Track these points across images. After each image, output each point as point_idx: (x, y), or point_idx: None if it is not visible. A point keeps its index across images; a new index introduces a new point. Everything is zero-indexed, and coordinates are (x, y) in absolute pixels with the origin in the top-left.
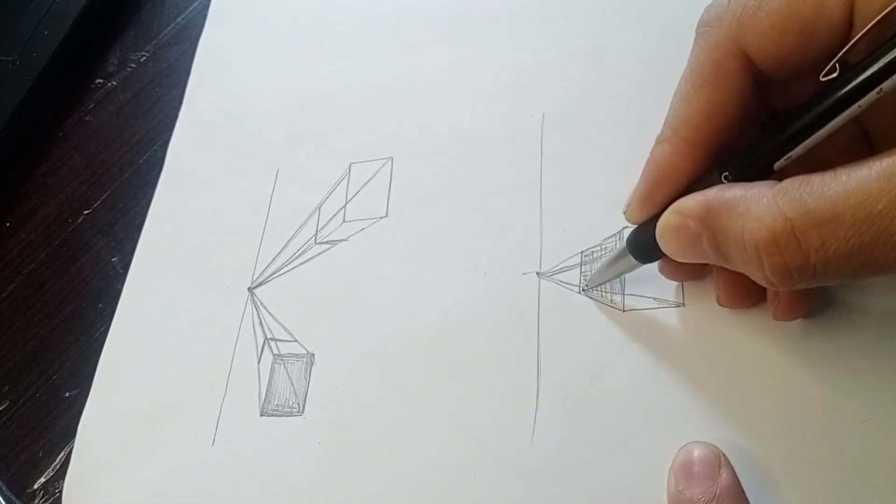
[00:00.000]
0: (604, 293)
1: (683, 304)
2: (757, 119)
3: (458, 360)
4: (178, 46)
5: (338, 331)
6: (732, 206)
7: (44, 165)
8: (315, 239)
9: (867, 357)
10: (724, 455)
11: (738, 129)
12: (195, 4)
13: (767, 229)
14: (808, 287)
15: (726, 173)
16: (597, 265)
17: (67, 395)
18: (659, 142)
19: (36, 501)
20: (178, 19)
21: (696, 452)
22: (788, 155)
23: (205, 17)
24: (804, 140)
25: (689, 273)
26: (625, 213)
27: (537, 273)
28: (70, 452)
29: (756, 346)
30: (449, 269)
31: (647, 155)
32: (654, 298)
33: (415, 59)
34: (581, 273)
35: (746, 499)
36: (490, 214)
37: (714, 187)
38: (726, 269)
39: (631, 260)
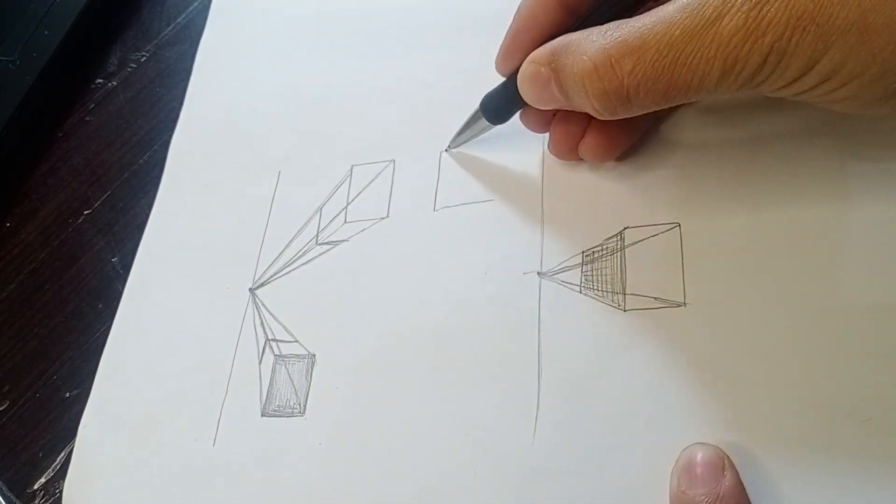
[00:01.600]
0: (605, 293)
1: (685, 303)
2: None
3: (458, 360)
4: (178, 46)
5: (339, 331)
6: (570, 47)
7: (44, 165)
8: (316, 240)
9: (869, 357)
10: (728, 457)
11: None
12: (195, 4)
13: (591, 60)
14: (630, 114)
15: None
16: (596, 264)
17: (68, 395)
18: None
19: (36, 501)
20: (179, 19)
21: (700, 453)
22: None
23: (205, 17)
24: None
25: (541, 125)
26: (496, 66)
27: (538, 273)
28: (70, 453)
29: (757, 346)
30: (450, 269)
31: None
32: (656, 298)
33: (417, 60)
34: (582, 273)
35: (749, 501)
36: (491, 214)
37: (561, 36)
38: (560, 121)
39: (483, 122)
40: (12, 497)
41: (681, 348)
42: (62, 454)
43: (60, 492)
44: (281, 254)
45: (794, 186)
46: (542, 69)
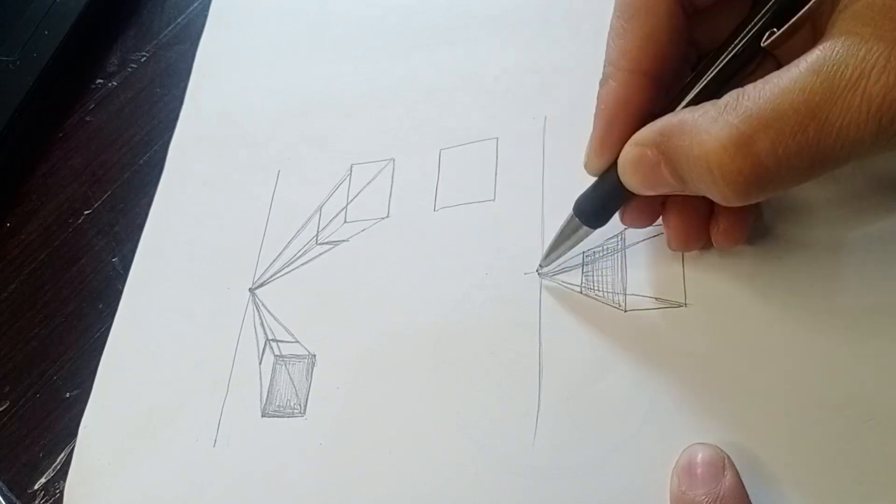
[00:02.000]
0: (605, 293)
1: (685, 304)
2: (689, 47)
3: (459, 360)
4: (178, 47)
5: (339, 331)
6: (683, 126)
7: (44, 165)
8: (316, 239)
9: (869, 357)
10: (728, 457)
11: (675, 58)
12: (195, 5)
13: (716, 140)
14: (764, 197)
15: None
16: (596, 264)
17: (68, 395)
18: (603, 82)
19: (37, 502)
20: (179, 19)
21: (701, 454)
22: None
23: (205, 17)
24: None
25: (647, 218)
26: (585, 165)
27: (538, 273)
28: (71, 453)
29: (758, 346)
30: (450, 269)
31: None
32: (656, 299)
33: (416, 60)
34: (583, 273)
35: (749, 501)
36: (492, 215)
37: (667, 115)
38: (673, 210)
39: (581, 228)
40: (12, 497)
41: (681, 348)
42: (62, 454)
43: (60, 492)
44: (281, 254)
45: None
46: (649, 151)
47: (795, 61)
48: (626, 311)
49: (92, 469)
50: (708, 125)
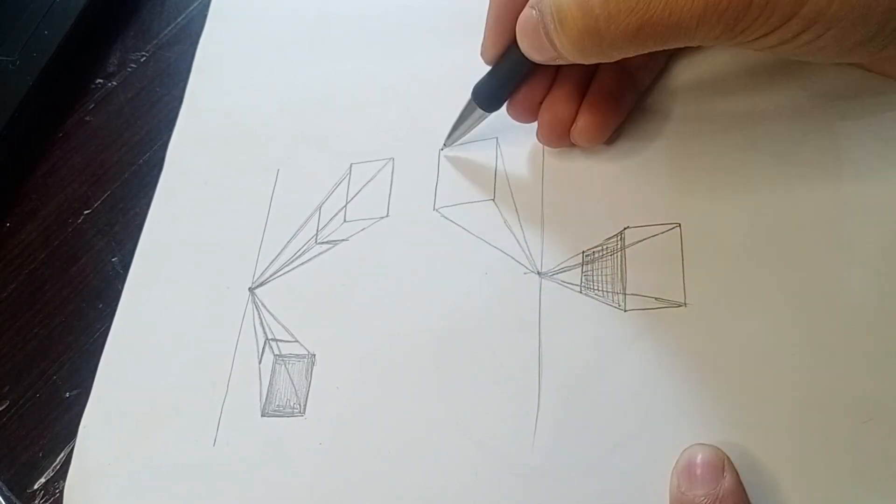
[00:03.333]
0: (605, 293)
1: (685, 303)
2: None
3: (459, 360)
4: (178, 46)
5: (339, 331)
6: None
7: (44, 165)
8: (316, 239)
9: (869, 357)
10: (728, 458)
11: None
12: (195, 4)
13: None
14: (602, 55)
15: None
16: (596, 264)
17: (68, 395)
18: None
19: (36, 502)
20: (178, 19)
21: (700, 454)
22: None
23: (205, 17)
24: None
25: (528, 111)
26: (481, 54)
27: (538, 273)
28: (70, 453)
29: (757, 346)
30: (450, 268)
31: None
32: (656, 298)
33: (416, 58)
34: (582, 273)
35: (749, 502)
36: (491, 214)
37: None
38: (546, 107)
39: (477, 111)
40: (12, 497)
41: (681, 348)
42: (62, 454)
43: (60, 492)
44: (280, 253)
45: (793, 188)
46: (534, 11)
47: None
48: (625, 311)
49: (92, 469)
50: None
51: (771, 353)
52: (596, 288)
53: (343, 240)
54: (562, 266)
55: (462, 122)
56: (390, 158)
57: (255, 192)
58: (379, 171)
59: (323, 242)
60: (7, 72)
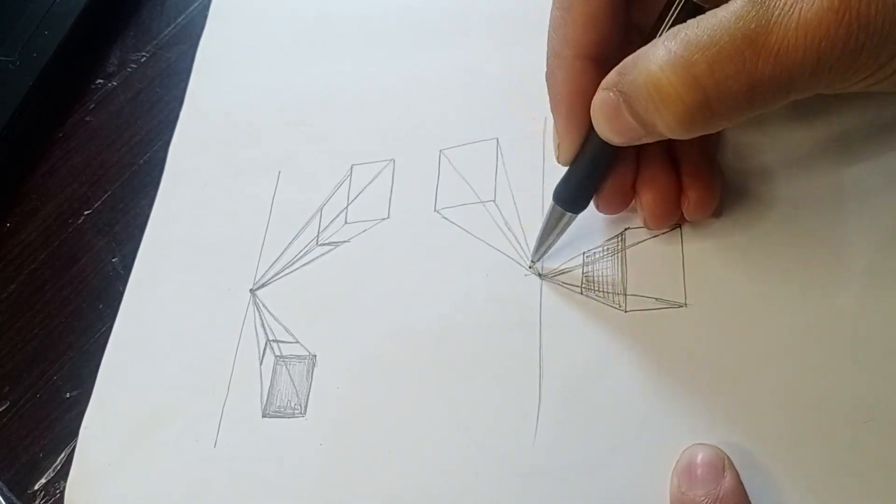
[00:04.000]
0: (605, 294)
1: (685, 304)
2: (631, 29)
3: (459, 361)
4: (178, 47)
5: (340, 332)
6: (636, 60)
7: (44, 165)
8: (317, 240)
9: (869, 357)
10: (728, 458)
11: (617, 40)
12: (195, 4)
13: (657, 66)
14: (708, 129)
15: None
16: (596, 265)
17: (68, 395)
18: (549, 75)
19: (37, 502)
20: (179, 19)
21: (701, 454)
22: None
23: (205, 17)
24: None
25: (619, 201)
26: (557, 158)
27: (539, 274)
28: (71, 453)
29: (758, 346)
30: (451, 270)
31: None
32: (656, 299)
33: (417, 59)
34: (583, 274)
35: (749, 502)
36: (492, 216)
37: (629, 56)
38: (644, 187)
39: (562, 214)
40: (12, 497)
41: (681, 349)
42: (62, 454)
43: (61, 492)
44: (281, 254)
45: (793, 187)
46: (611, 93)
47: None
48: (626, 312)
49: (92, 469)
50: (651, 55)
51: (771, 353)
52: (596, 289)
53: (344, 241)
54: (562, 267)
55: (550, 231)
56: (391, 160)
57: (256, 194)
58: (380, 172)
59: (324, 244)
60: (7, 72)
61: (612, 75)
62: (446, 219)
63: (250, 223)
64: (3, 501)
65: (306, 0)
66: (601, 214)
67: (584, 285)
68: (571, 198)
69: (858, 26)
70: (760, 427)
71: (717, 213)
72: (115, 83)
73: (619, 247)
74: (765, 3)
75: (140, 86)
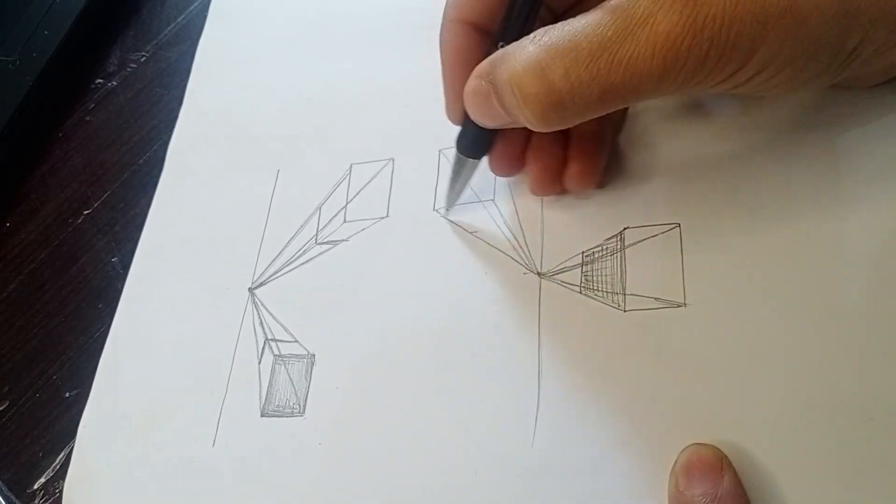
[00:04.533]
0: (605, 293)
1: (685, 304)
2: None
3: (459, 360)
4: (178, 46)
5: (339, 331)
6: (504, 57)
7: (44, 165)
8: (316, 239)
9: (869, 357)
10: (726, 458)
11: (504, 4)
12: (195, 4)
13: (520, 65)
14: (566, 123)
15: (501, 43)
16: (596, 265)
17: (68, 395)
18: (441, 37)
19: (36, 502)
20: (178, 19)
21: (699, 454)
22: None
23: (205, 17)
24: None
25: (509, 164)
26: (446, 115)
27: (538, 273)
28: (70, 453)
29: (757, 346)
30: (450, 269)
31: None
32: (656, 299)
33: (416, 59)
34: (582, 273)
35: (748, 501)
36: (491, 215)
37: (499, 49)
38: (532, 157)
39: (465, 161)
40: (12, 497)
41: (681, 349)
42: (62, 454)
43: (60, 492)
44: (280, 253)
45: (792, 187)
46: (483, 82)
47: (599, 5)
48: (625, 312)
49: (91, 469)
50: (519, 54)
51: (770, 352)
52: (596, 288)
53: (343, 240)
54: (562, 266)
55: (456, 177)
56: (390, 159)
57: (255, 193)
58: (379, 171)
59: (323, 243)
60: (7, 72)
61: (484, 64)
62: (445, 218)
63: (249, 222)
64: (2, 501)
65: (306, 0)
66: (601, 213)
67: (583, 285)
68: (469, 147)
69: (702, 39)
70: (760, 427)
71: (717, 212)
72: (115, 83)
73: (619, 246)
74: (623, 13)
75: (140, 86)
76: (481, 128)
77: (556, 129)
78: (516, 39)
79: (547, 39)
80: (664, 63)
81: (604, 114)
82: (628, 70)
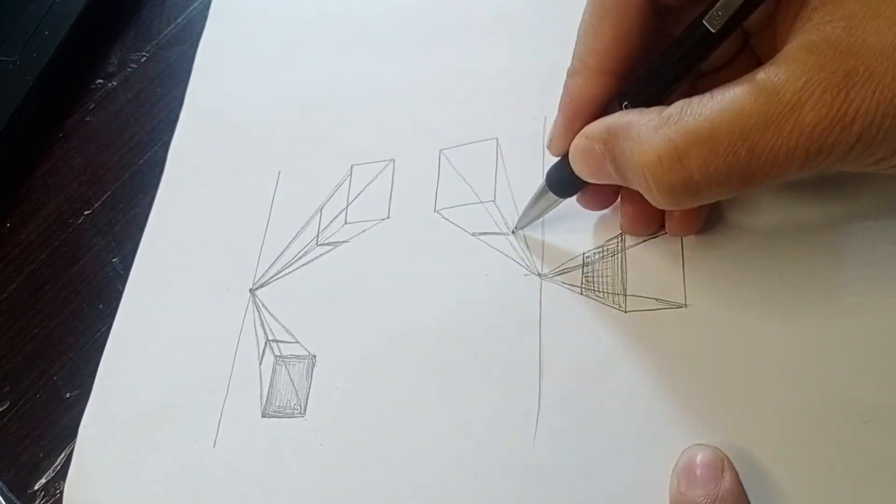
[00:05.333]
0: (605, 294)
1: (685, 305)
2: (658, 46)
3: (459, 361)
4: (178, 47)
5: (339, 332)
6: (628, 130)
7: (44, 165)
8: (317, 240)
9: (870, 358)
10: (727, 458)
11: (642, 56)
12: (195, 4)
13: (654, 150)
14: (694, 205)
15: (626, 102)
16: (596, 266)
17: (68, 395)
18: (570, 75)
19: (37, 502)
20: (179, 19)
21: (700, 455)
22: (675, 84)
23: (205, 17)
24: (687, 71)
25: (601, 202)
26: (548, 146)
27: (539, 274)
28: (71, 453)
29: (758, 347)
30: (450, 270)
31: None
32: (657, 299)
33: (416, 60)
34: (583, 274)
35: (749, 502)
36: (492, 216)
37: (616, 113)
38: (628, 198)
39: (551, 196)
40: (13, 497)
41: (681, 350)
42: (62, 455)
43: (61, 492)
44: (281, 254)
45: (793, 188)
46: (596, 146)
47: (741, 78)
48: (626, 312)
49: (92, 469)
50: (649, 135)
51: (771, 353)
52: (596, 289)
53: (344, 241)
54: (562, 267)
55: (535, 205)
56: (391, 160)
57: (256, 194)
58: (380, 172)
59: (324, 244)
60: (7, 72)
61: (599, 129)
62: (446, 219)
63: (250, 223)
64: (3, 501)
65: (306, 0)
66: (601, 214)
67: (584, 285)
68: (560, 186)
69: (850, 134)
70: (760, 427)
71: (717, 213)
72: (115, 83)
73: (619, 247)
74: (768, 99)
75: (140, 86)
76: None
77: (683, 209)
78: (645, 105)
79: (683, 122)
80: (807, 155)
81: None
82: (769, 161)
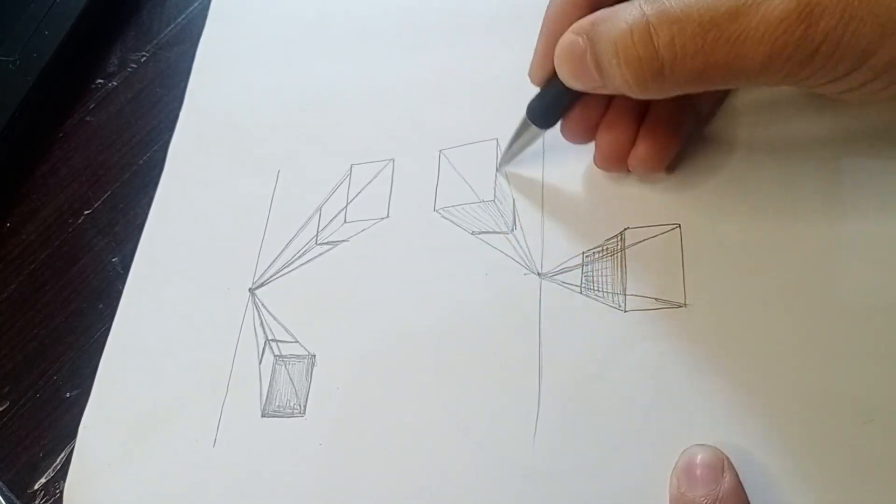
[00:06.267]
0: (605, 293)
1: (685, 304)
2: None
3: (459, 361)
4: (178, 47)
5: (339, 332)
6: (611, 15)
7: (44, 165)
8: (316, 240)
9: (870, 358)
10: (727, 459)
11: None
12: (195, 4)
13: (626, 23)
14: (660, 93)
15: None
16: (596, 265)
17: (68, 395)
18: (551, 3)
19: (37, 502)
20: (179, 19)
21: (700, 455)
22: None
23: (205, 17)
24: None
25: (583, 132)
26: (529, 74)
27: (538, 273)
28: (71, 453)
29: (757, 347)
30: (450, 269)
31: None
32: (656, 299)
33: (416, 59)
34: (583, 273)
35: (749, 502)
36: (491, 215)
37: (605, 8)
38: (605, 126)
39: (533, 129)
40: (13, 497)
41: (681, 349)
42: (62, 454)
43: (61, 492)
44: (281, 254)
45: (793, 188)
46: (580, 39)
47: None
48: (626, 312)
49: (92, 469)
50: (628, 13)
51: (771, 353)
52: (596, 289)
53: (343, 240)
54: (562, 267)
55: (517, 140)
56: (391, 159)
57: (255, 193)
58: (379, 171)
59: (323, 243)
60: (7, 72)
61: (585, 21)
62: (446, 218)
63: (249, 222)
64: (3, 501)
65: (306, 0)
66: (601, 214)
67: (583, 285)
68: (540, 115)
69: (816, 31)
70: (760, 427)
71: (717, 212)
72: (115, 83)
73: (619, 246)
74: None
75: (140, 86)
76: (558, 96)
77: (648, 97)
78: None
79: (659, 4)
80: (771, 49)
81: (701, 90)
82: (734, 49)
